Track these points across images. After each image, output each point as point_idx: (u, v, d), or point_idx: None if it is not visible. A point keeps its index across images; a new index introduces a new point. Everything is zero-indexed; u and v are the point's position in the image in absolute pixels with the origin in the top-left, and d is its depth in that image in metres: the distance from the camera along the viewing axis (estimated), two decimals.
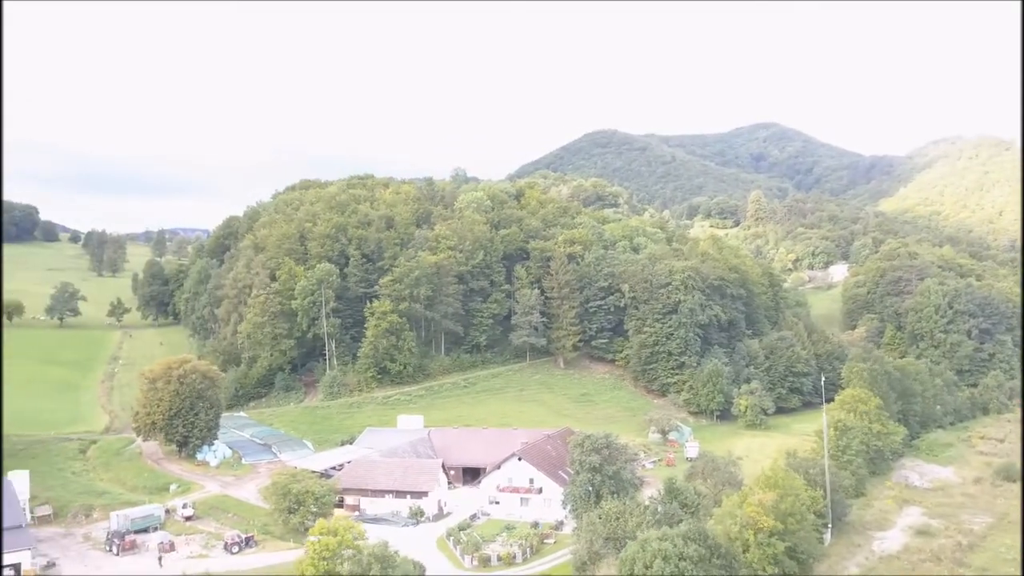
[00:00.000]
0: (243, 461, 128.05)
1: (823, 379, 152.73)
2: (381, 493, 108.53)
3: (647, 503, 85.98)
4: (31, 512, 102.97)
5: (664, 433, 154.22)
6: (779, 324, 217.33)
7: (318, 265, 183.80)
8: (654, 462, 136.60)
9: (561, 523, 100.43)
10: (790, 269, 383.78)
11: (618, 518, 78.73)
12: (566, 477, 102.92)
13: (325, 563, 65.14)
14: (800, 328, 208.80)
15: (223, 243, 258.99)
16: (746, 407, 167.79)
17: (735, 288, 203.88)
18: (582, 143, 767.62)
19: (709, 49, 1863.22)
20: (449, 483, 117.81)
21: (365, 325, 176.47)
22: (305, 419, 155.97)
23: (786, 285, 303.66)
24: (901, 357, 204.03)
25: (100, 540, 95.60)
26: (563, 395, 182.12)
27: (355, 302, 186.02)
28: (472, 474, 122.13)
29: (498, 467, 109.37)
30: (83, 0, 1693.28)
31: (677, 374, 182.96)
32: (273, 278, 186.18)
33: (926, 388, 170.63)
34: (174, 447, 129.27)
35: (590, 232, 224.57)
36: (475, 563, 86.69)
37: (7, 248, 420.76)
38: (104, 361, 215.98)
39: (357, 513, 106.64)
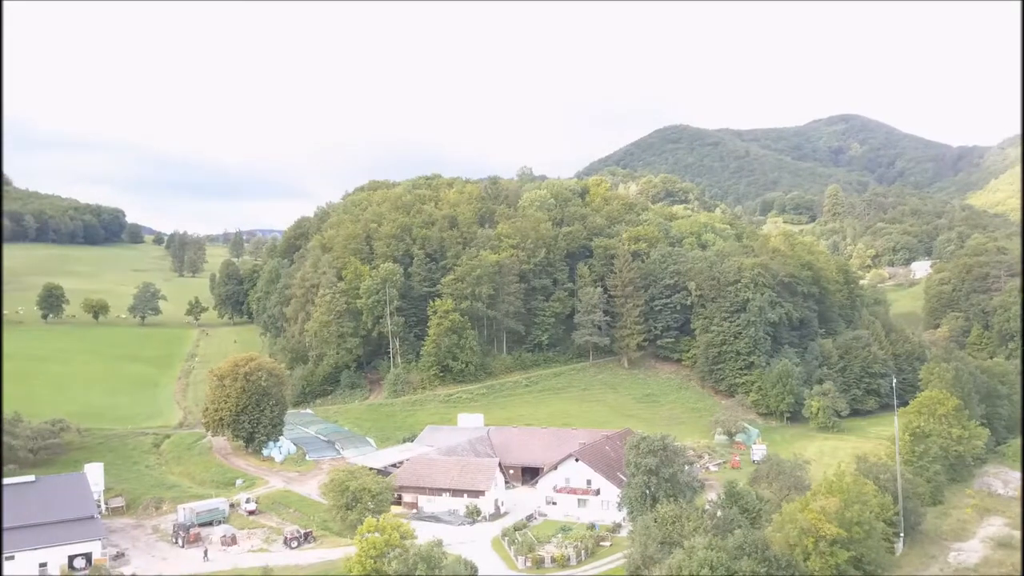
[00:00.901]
0: (307, 457, 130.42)
1: (897, 381, 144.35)
2: (438, 491, 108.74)
3: (706, 507, 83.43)
4: (105, 503, 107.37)
5: (731, 435, 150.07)
6: (855, 323, 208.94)
7: (383, 264, 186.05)
8: (719, 464, 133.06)
9: (619, 525, 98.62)
10: (869, 266, 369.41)
11: (674, 522, 76.40)
12: (625, 479, 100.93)
13: (372, 561, 65.25)
14: (877, 327, 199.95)
15: (294, 243, 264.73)
16: (818, 409, 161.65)
17: (807, 285, 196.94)
18: (653, 139, 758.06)
19: (786, 40, 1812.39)
20: (507, 482, 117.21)
21: (428, 324, 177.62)
22: (369, 416, 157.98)
23: (863, 282, 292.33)
24: (990, 358, 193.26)
25: (168, 532, 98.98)
26: (627, 395, 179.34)
27: (419, 301, 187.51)
28: (531, 474, 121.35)
29: (555, 467, 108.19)
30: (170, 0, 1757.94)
31: (745, 374, 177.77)
32: (339, 277, 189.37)
33: (1013, 390, 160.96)
34: (241, 443, 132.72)
35: (656, 229, 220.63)
36: (528, 564, 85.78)
37: (97, 250, 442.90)
38: (182, 358, 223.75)
39: (415, 511, 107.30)
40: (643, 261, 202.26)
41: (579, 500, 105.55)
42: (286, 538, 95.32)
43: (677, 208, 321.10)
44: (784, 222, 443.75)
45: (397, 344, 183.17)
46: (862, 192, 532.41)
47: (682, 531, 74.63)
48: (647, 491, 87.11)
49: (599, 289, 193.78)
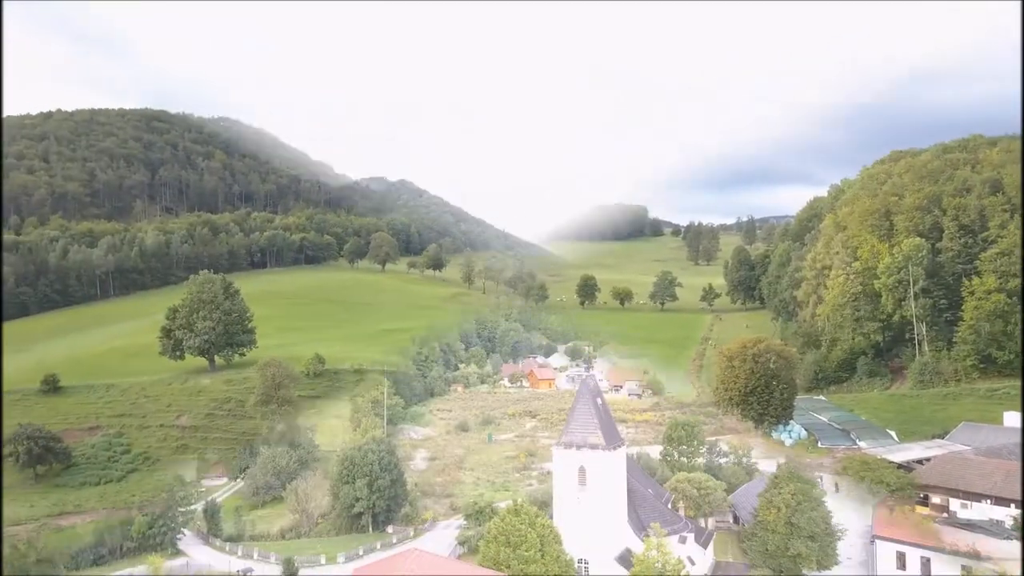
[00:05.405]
0: (818, 444, 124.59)
1: None
2: (975, 496, 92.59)
3: None
4: None
5: None
6: None
7: (905, 240, 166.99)
8: None
9: None
10: None
11: None
12: None
13: None
14: None
15: (806, 225, 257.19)
16: None
17: None
18: None
19: None
20: None
21: (963, 307, 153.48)
22: (889, 407, 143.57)
23: None
24: None
25: None
26: None
27: (950, 280, 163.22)
28: None
29: None
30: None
31: None
32: (854, 257, 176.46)
33: None
34: (750, 423, 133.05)
35: None
36: None
37: (622, 244, 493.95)
38: (696, 341, 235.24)
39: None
40: None
41: None
42: None
43: None
44: None
45: (923, 329, 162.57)
46: None
47: None
48: None
49: None
